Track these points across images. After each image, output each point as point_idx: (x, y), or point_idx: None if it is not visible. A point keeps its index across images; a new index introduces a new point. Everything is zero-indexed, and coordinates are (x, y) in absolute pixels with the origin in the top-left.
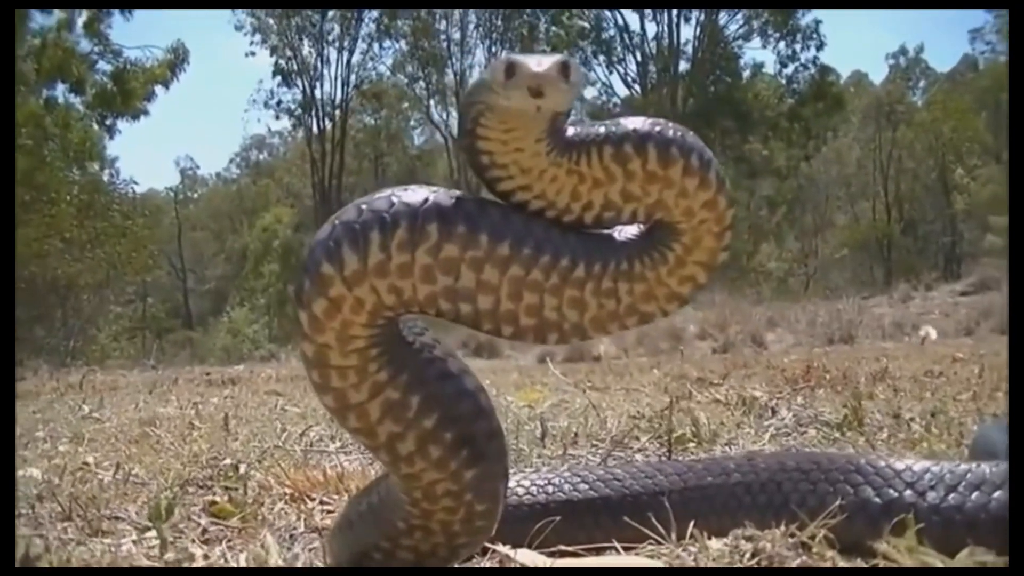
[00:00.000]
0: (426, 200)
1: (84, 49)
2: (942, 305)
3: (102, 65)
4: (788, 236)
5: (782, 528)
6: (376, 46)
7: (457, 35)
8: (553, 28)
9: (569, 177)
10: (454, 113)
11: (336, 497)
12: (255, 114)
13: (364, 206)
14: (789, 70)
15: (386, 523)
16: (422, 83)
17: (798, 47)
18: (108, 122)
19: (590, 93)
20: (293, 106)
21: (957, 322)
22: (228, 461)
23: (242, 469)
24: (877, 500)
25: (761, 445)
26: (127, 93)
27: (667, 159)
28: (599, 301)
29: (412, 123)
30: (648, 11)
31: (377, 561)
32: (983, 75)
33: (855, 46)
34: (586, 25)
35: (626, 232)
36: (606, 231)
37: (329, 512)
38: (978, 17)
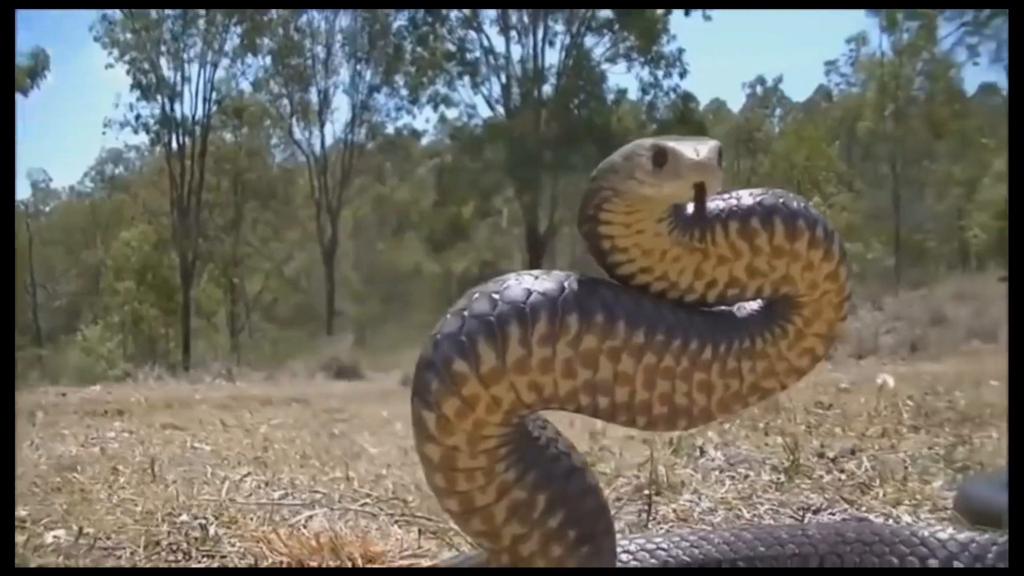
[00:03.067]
0: (563, 288)
1: None
2: None
3: None
4: None
5: None
6: (240, 63)
7: (323, 53)
8: (419, 49)
9: (692, 256)
10: (316, 132)
11: (336, 564)
12: (113, 132)
13: (497, 296)
14: (651, 96)
15: None
16: (285, 101)
17: (660, 74)
18: None
19: (452, 114)
20: (151, 121)
21: None
22: (184, 518)
23: (211, 529)
24: None
25: (723, 493)
26: None
27: (794, 232)
28: (725, 382)
29: (274, 141)
30: (514, 33)
31: None
32: (836, 105)
33: (714, 74)
34: (451, 47)
35: (746, 308)
36: (727, 308)
37: None
38: (834, 49)
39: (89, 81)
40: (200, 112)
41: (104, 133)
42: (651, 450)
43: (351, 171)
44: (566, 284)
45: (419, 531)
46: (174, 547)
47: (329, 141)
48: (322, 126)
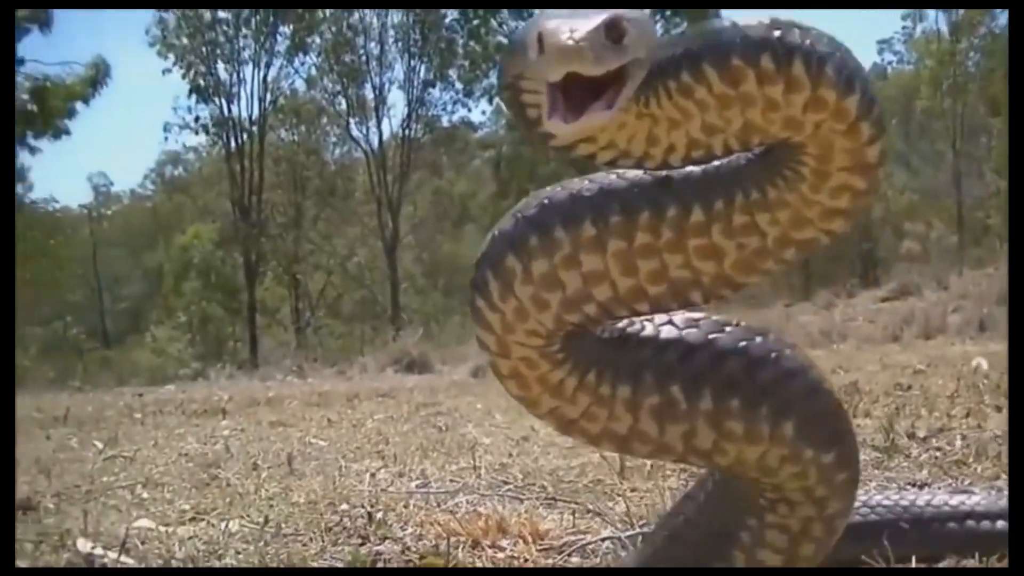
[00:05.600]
0: (494, 236)
1: None
2: (864, 312)
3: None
4: None
5: None
6: (294, 61)
7: (376, 50)
8: (471, 43)
9: (641, 121)
10: (373, 128)
11: (508, 542)
12: (173, 136)
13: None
14: None
15: (741, 508)
16: (341, 98)
17: None
18: (29, 142)
19: None
20: (210, 123)
21: (883, 327)
22: (344, 507)
23: (378, 515)
24: None
25: None
26: (48, 111)
27: (732, 73)
28: (737, 241)
29: (333, 138)
30: None
31: (744, 546)
32: (891, 84)
33: None
34: (504, 40)
35: (745, 156)
36: (719, 163)
37: (514, 558)
38: (887, 28)
39: (146, 86)
40: (256, 112)
41: (166, 139)
42: None
43: (409, 166)
44: (496, 231)
45: (572, 512)
46: (350, 532)
47: (385, 136)
48: (379, 122)
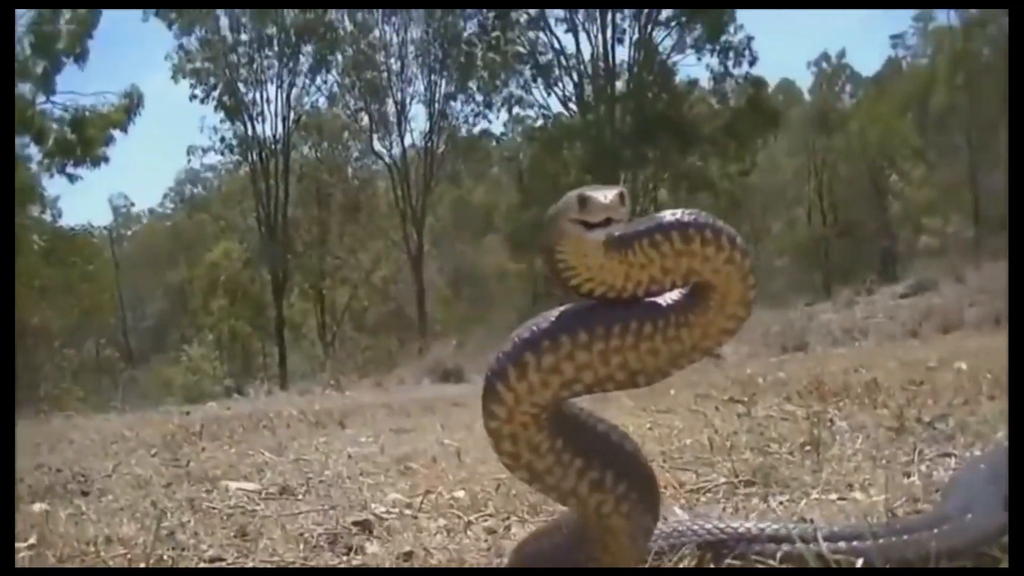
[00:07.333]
0: (514, 343)
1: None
2: (884, 308)
3: (52, 112)
4: None
5: None
6: (316, 79)
7: (396, 65)
8: (490, 54)
9: (621, 266)
10: (396, 142)
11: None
12: (197, 157)
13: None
14: (722, 86)
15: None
16: (363, 114)
17: (730, 63)
18: (68, 170)
19: (526, 114)
20: (235, 143)
21: (902, 324)
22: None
23: None
24: None
25: (858, 445)
26: (87, 141)
27: (687, 237)
28: (669, 346)
29: (356, 153)
30: (583, 33)
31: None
32: (906, 78)
33: (778, 54)
34: (522, 50)
35: (675, 294)
36: (663, 297)
37: (670, 498)
38: (900, 21)
39: (165, 109)
40: (280, 130)
41: (189, 161)
42: (811, 427)
43: (431, 179)
44: (516, 337)
45: (695, 472)
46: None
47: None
48: (401, 136)
